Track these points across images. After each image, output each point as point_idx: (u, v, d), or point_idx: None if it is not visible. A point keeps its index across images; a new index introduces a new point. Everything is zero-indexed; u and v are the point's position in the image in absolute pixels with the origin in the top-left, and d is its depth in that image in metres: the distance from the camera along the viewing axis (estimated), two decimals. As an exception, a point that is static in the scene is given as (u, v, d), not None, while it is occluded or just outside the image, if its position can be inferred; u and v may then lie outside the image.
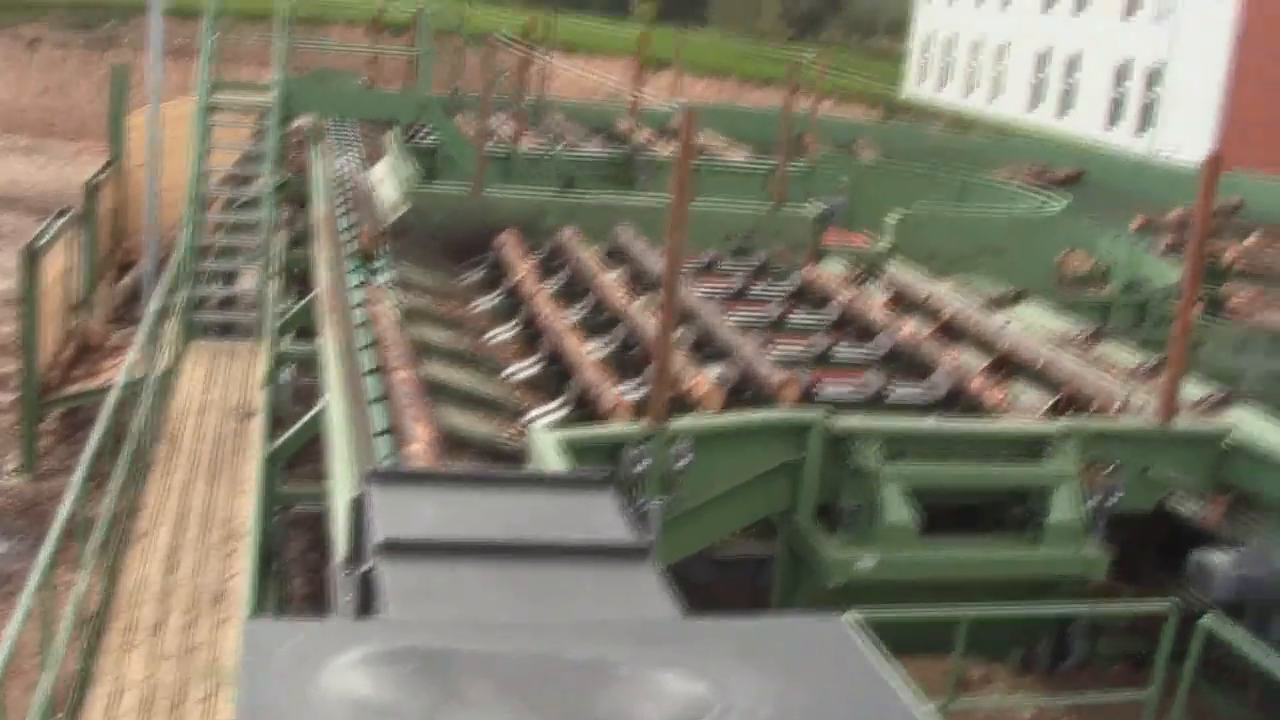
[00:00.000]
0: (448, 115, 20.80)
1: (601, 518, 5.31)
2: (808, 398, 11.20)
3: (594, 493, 5.51)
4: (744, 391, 11.21)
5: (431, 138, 21.68)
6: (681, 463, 9.06)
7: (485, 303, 14.66)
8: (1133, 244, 21.73)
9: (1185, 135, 45.19)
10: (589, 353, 11.40)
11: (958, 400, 11.73)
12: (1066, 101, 53.83)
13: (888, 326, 13.61)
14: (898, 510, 9.62)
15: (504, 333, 13.60)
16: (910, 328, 13.76)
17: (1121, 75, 50.93)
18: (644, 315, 12.22)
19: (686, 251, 9.32)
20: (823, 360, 12.52)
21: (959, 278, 17.28)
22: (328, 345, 9.88)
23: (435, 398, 10.94)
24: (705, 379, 10.67)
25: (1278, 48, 44.61)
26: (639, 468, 8.93)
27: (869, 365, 12.44)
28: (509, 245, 15.37)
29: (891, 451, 9.81)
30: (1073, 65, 53.72)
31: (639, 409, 9.89)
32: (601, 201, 17.22)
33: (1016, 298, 16.36)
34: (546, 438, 8.39)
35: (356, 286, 12.32)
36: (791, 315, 14.09)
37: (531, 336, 13.12)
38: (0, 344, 25.32)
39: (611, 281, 13.89)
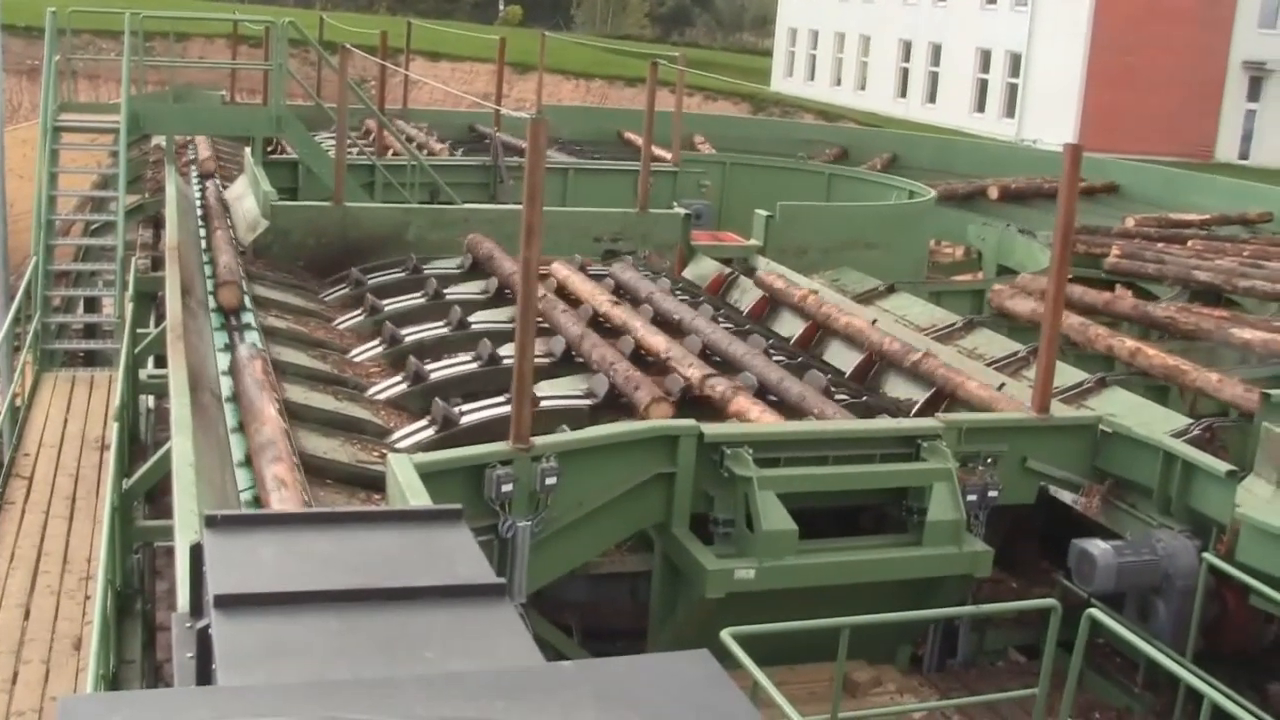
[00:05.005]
0: (307, 129, 20.27)
1: (456, 554, 5.06)
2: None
3: (446, 526, 5.25)
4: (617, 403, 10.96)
5: (291, 152, 21.15)
6: (549, 481, 8.76)
7: (348, 321, 14.27)
8: (1003, 229, 21.81)
9: (1046, 122, 45.86)
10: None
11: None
12: (932, 91, 54.29)
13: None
14: (774, 517, 9.39)
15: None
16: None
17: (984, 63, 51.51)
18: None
19: (540, 261, 9.00)
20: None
21: (830, 273, 17.17)
22: (174, 376, 9.43)
23: (297, 423, 10.54)
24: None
25: (1133, 35, 45.42)
26: (504, 489, 8.62)
27: None
28: None
29: (764, 458, 9.58)
30: (936, 54, 54.18)
31: None
32: (465, 212, 16.87)
33: (889, 290, 16.29)
34: (404, 463, 8.05)
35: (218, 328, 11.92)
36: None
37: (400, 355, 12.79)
38: None
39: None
